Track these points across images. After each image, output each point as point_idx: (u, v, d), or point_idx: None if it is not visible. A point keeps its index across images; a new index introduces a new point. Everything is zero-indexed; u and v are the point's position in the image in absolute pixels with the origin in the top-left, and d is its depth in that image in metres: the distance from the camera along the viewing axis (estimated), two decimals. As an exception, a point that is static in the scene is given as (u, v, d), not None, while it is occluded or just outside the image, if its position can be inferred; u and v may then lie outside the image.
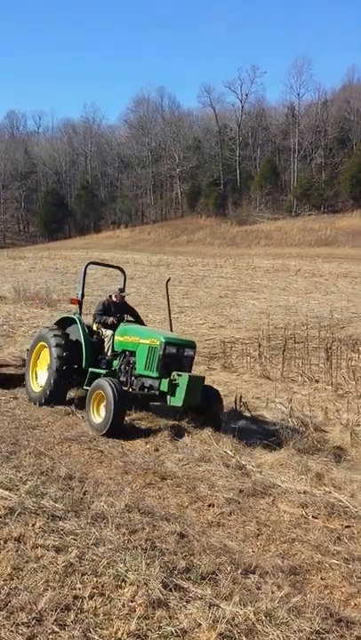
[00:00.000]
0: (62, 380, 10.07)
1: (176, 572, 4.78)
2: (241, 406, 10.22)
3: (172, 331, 10.58)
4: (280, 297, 27.63)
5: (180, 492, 6.75)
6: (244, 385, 12.02)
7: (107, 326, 10.15)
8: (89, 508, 5.86)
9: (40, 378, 10.51)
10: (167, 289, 10.95)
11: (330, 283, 32.47)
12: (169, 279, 11.56)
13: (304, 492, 6.85)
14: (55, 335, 10.27)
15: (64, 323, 10.76)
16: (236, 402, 10.25)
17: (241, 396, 10.38)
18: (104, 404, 8.83)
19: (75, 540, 5.12)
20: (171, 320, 10.84)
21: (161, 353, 8.98)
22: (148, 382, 9.27)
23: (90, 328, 10.40)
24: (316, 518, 6.29)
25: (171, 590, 4.48)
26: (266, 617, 4.29)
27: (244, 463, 7.60)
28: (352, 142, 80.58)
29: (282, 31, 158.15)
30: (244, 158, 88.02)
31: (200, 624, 4.15)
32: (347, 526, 6.12)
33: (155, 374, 9.05)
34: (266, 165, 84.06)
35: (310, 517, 6.31)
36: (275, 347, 15.41)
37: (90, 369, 9.90)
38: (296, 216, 76.64)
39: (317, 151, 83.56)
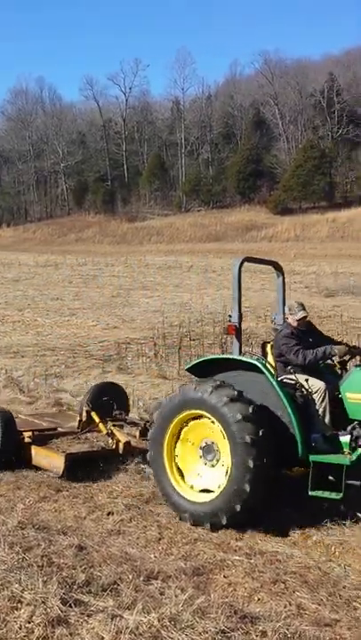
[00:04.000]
0: (264, 483, 5.87)
1: (75, 587, 4.67)
2: (139, 408, 10.17)
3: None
4: (174, 294, 27.85)
5: (76, 502, 6.63)
6: (141, 386, 11.98)
7: (317, 373, 6.38)
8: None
9: (192, 476, 6.29)
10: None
11: (222, 278, 33.01)
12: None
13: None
14: (231, 399, 5.92)
15: (203, 369, 6.61)
16: (133, 404, 10.19)
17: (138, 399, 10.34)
18: None
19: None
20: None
21: None
22: None
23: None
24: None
25: (71, 606, 4.38)
26: (170, 622, 4.27)
27: (143, 467, 7.56)
28: (237, 137, 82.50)
29: (163, 23, 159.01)
30: (130, 153, 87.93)
31: (103, 637, 4.08)
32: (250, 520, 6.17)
33: None
34: (153, 160, 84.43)
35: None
36: (170, 345, 15.48)
37: (311, 457, 5.97)
38: (186, 212, 77.57)
39: (204, 146, 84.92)
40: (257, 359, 6.43)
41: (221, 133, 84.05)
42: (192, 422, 6.25)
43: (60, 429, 8.23)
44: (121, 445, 7.55)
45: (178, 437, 6.31)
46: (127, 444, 7.54)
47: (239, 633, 4.30)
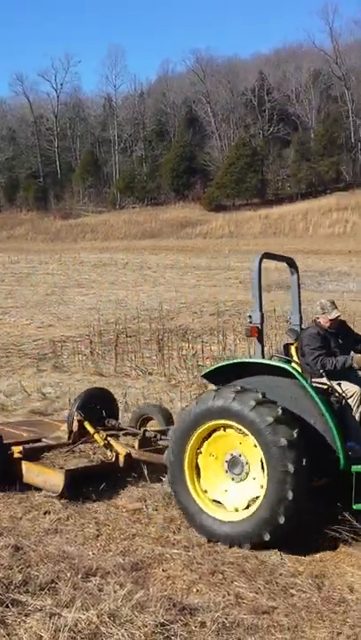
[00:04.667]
0: (305, 488, 5.42)
1: (12, 587, 4.59)
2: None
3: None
4: (109, 291, 27.71)
5: (12, 503, 6.51)
6: (77, 384, 11.86)
7: (350, 375, 5.98)
8: None
9: (220, 494, 5.74)
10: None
11: (158, 275, 33.13)
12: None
13: (142, 486, 6.89)
14: (258, 402, 5.43)
15: (219, 376, 6.08)
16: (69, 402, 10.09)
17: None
18: None
19: None
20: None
21: None
22: None
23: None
24: (155, 510, 6.36)
25: (8, 607, 4.31)
26: (110, 618, 4.27)
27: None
28: (170, 135, 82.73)
29: (94, 18, 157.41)
30: (63, 150, 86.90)
31: (41, 636, 4.04)
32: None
33: None
34: (86, 157, 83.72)
35: (150, 510, 6.36)
36: (107, 342, 15.41)
37: (355, 467, 5.53)
38: (121, 209, 77.31)
39: (137, 143, 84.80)
40: (288, 365, 5.87)
41: (155, 130, 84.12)
42: (214, 434, 5.70)
43: (45, 440, 7.44)
44: (121, 458, 6.88)
45: (199, 453, 5.76)
46: (128, 456, 6.88)
47: (178, 625, 4.33)
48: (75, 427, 7.33)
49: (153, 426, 7.75)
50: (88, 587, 4.72)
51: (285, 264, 6.81)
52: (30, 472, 6.75)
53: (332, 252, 43.57)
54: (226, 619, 4.43)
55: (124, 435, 7.49)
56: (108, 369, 13.08)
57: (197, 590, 4.89)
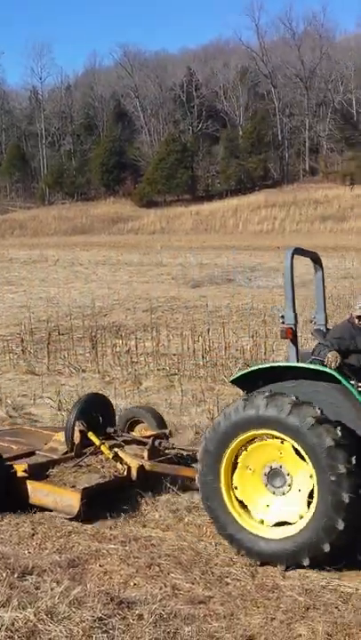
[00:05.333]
0: (358, 517, 5.00)
1: None
2: (7, 406, 9.94)
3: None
4: (40, 289, 27.27)
5: None
6: (9, 383, 11.68)
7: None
8: None
9: (259, 509, 5.35)
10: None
11: (90, 271, 32.83)
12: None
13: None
14: (317, 420, 5.00)
15: (252, 379, 5.60)
16: (1, 402, 9.95)
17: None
18: None
19: None
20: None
21: None
22: None
23: None
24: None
25: None
26: (47, 615, 4.29)
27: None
28: (99, 129, 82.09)
29: (20, 9, 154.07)
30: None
31: (-22, 637, 4.01)
32: (125, 508, 6.25)
33: None
34: (12, 151, 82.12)
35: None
36: (39, 340, 15.19)
37: None
38: (50, 204, 76.29)
39: (65, 137, 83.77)
40: (337, 371, 5.30)
41: (83, 124, 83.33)
42: (250, 446, 5.32)
43: (39, 453, 6.81)
44: (134, 471, 6.38)
45: (235, 466, 5.35)
46: (141, 468, 6.40)
47: (116, 619, 4.39)
48: (76, 438, 6.71)
49: (143, 429, 7.29)
50: (24, 585, 4.71)
51: (309, 260, 6.27)
52: (38, 492, 6.15)
53: (262, 248, 44.34)
54: (163, 610, 4.52)
55: (121, 441, 6.91)
56: (41, 367, 12.91)
57: (135, 584, 4.95)
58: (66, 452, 6.75)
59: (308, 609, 4.58)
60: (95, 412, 7.01)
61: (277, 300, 20.35)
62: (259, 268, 31.88)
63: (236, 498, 5.32)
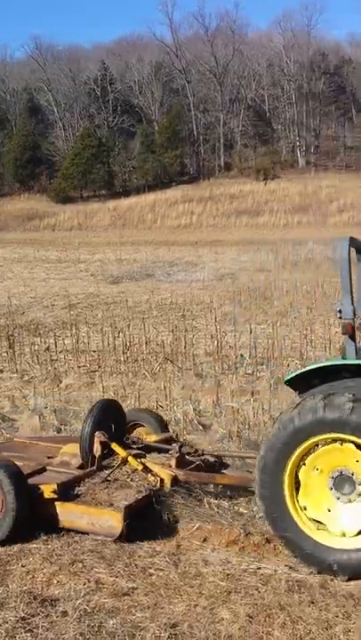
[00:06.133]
0: None
1: None
2: None
3: None
4: None
5: None
6: None
7: None
8: None
9: (328, 516, 5.06)
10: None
11: (5, 269, 32.13)
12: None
13: None
14: None
15: (306, 378, 5.40)
16: None
17: None
18: None
19: None
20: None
21: None
22: None
23: None
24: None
25: None
26: (-32, 619, 4.22)
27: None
28: (11, 123, 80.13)
29: None
30: None
31: None
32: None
33: None
34: None
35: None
36: None
37: None
38: None
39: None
40: None
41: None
42: (323, 447, 4.99)
43: (50, 469, 6.24)
44: (167, 483, 5.90)
45: (298, 467, 5.03)
46: (174, 479, 5.94)
47: (40, 617, 4.39)
48: (97, 450, 6.20)
49: (145, 433, 6.85)
50: None
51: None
52: (70, 514, 5.61)
53: (180, 243, 44.72)
54: (87, 605, 4.55)
55: (135, 449, 6.41)
56: None
57: (58, 581, 4.94)
58: (80, 466, 6.28)
59: (229, 593, 4.71)
60: (109, 419, 6.48)
61: (196, 295, 20.62)
62: (177, 262, 32.15)
63: (297, 503, 5.04)
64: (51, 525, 5.63)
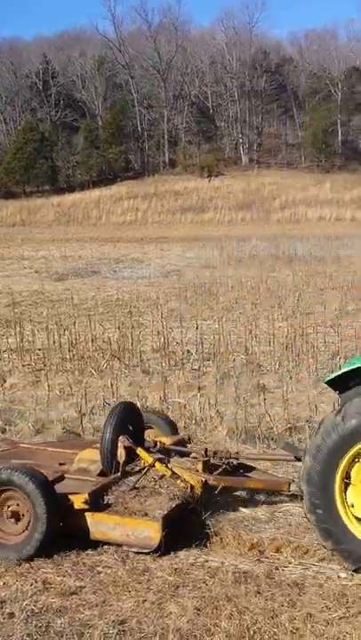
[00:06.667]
0: None
1: None
2: None
3: None
4: None
5: None
6: None
7: None
8: None
9: None
10: None
11: None
12: None
13: None
14: None
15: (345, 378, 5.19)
16: None
17: None
18: None
19: None
20: None
21: None
22: None
23: None
24: None
25: None
26: None
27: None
28: None
29: None
30: None
31: None
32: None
33: None
34: None
35: None
36: None
37: None
38: None
39: None
40: None
41: None
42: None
43: (68, 477, 5.79)
44: (198, 489, 5.68)
45: (351, 465, 4.84)
46: (205, 484, 5.73)
47: (-13, 619, 4.32)
48: (121, 456, 5.89)
49: (153, 436, 6.50)
50: None
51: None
52: (102, 525, 5.30)
53: (125, 240, 44.53)
54: (34, 605, 4.52)
55: (155, 452, 6.08)
56: None
57: (4, 583, 4.89)
58: (100, 473, 5.94)
59: (177, 587, 4.76)
60: (129, 423, 6.20)
61: (142, 292, 20.59)
62: (123, 259, 32.01)
63: (346, 505, 4.86)
64: (80, 538, 5.34)
